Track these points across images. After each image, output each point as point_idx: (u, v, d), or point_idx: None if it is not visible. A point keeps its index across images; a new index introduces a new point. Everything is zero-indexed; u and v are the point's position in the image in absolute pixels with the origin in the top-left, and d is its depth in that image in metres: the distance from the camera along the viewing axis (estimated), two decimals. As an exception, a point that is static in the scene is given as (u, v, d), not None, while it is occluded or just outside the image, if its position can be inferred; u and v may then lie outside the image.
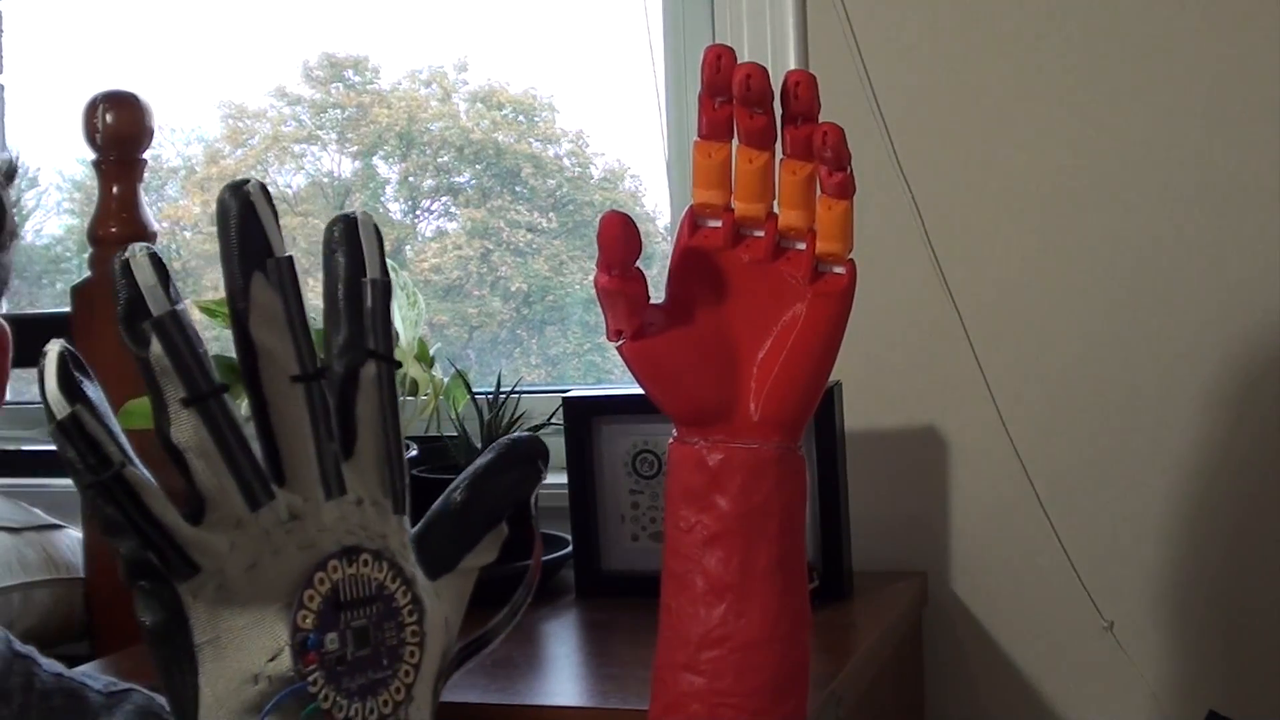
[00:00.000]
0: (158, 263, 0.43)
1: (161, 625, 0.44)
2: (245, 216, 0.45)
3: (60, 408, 0.41)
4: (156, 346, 0.43)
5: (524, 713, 1.02)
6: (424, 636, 0.49)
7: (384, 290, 0.49)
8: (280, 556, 0.45)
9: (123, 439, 0.42)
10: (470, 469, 0.53)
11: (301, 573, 0.45)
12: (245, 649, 0.44)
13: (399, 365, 0.50)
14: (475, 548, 0.52)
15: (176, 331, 0.43)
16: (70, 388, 0.41)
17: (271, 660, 0.44)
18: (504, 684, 1.08)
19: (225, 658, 0.44)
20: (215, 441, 0.44)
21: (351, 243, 0.49)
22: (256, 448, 0.46)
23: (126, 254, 0.43)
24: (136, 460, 0.43)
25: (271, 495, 0.45)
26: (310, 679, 0.45)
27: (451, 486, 0.53)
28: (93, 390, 0.42)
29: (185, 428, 0.44)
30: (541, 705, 1.04)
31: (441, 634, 0.50)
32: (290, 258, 0.46)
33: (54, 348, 0.41)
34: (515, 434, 0.55)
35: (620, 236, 0.64)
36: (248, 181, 0.45)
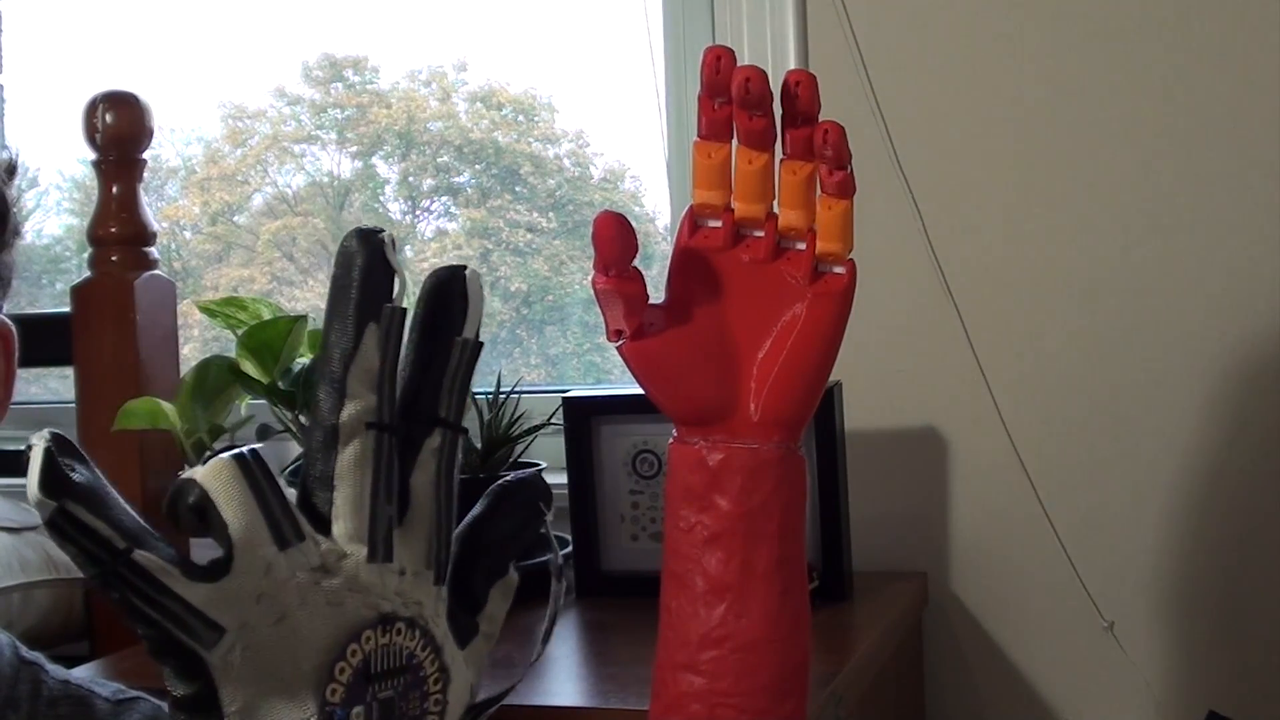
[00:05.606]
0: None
1: (192, 697, 0.43)
2: (373, 265, 0.45)
3: (45, 507, 0.39)
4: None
5: (524, 713, 1.02)
6: (445, 705, 0.48)
7: (473, 353, 0.48)
8: (307, 610, 0.44)
9: (128, 516, 0.41)
10: (464, 523, 0.51)
11: (332, 637, 0.44)
12: (272, 717, 0.43)
13: (465, 431, 0.49)
14: (484, 608, 0.51)
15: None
16: (53, 482, 0.39)
17: None
18: (504, 684, 1.08)
19: None
20: (249, 483, 0.43)
21: (451, 297, 0.48)
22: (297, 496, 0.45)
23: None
24: (145, 528, 0.41)
25: (302, 537, 0.44)
26: None
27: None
28: (84, 474, 0.41)
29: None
30: (541, 705, 1.04)
31: (463, 701, 0.50)
32: (404, 311, 0.46)
33: (39, 443, 0.40)
34: (511, 476, 0.53)
35: (615, 236, 0.64)
36: (380, 231, 0.45)
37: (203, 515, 0.42)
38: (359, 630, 0.45)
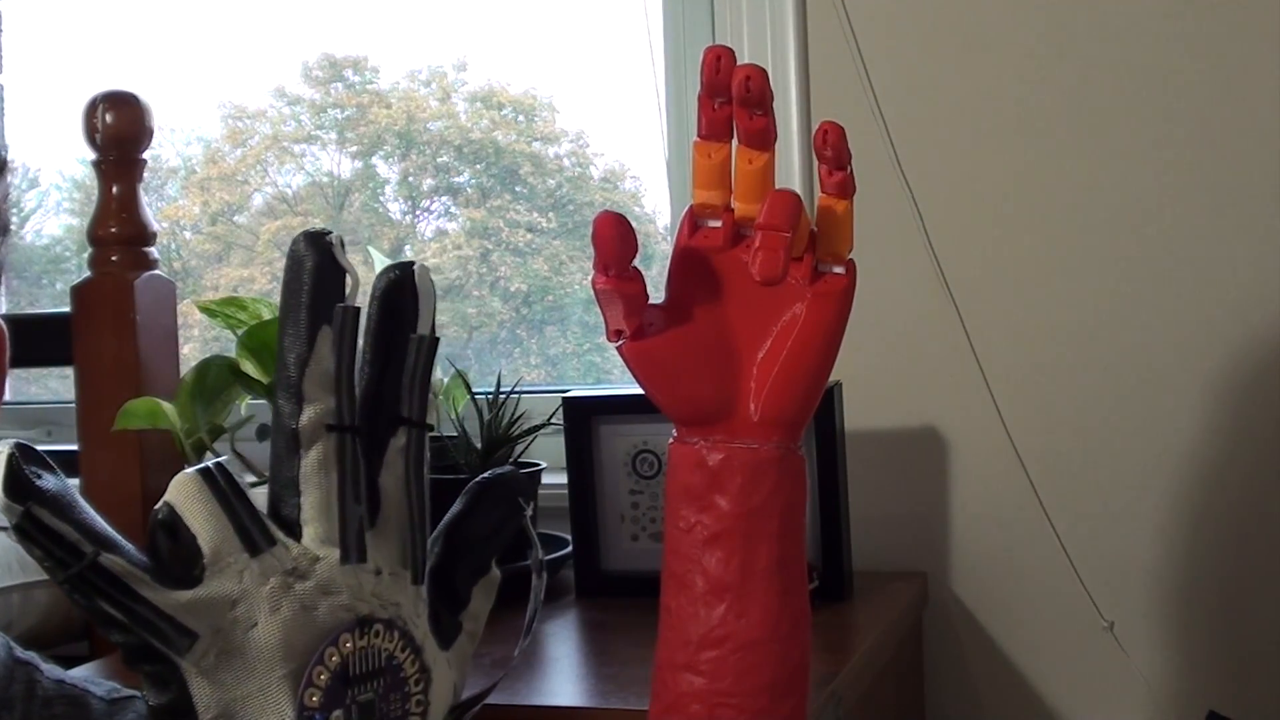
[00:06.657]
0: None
1: (168, 704, 0.43)
2: (323, 267, 0.45)
3: (11, 511, 0.40)
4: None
5: (524, 713, 1.02)
6: (427, 706, 0.48)
7: (429, 349, 0.48)
8: (281, 614, 0.44)
9: (96, 522, 0.41)
10: (444, 521, 0.51)
11: (309, 641, 0.44)
12: None
13: (431, 428, 0.49)
14: (468, 605, 0.51)
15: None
16: (19, 487, 0.40)
17: None
18: (504, 684, 1.08)
19: None
20: (214, 495, 0.43)
21: (404, 295, 0.47)
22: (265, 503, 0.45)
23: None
24: (115, 536, 0.41)
25: (273, 543, 0.44)
26: None
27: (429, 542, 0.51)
28: (51, 481, 0.41)
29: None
30: (541, 705, 1.04)
31: (446, 701, 0.49)
32: (357, 310, 0.46)
33: (3, 449, 0.40)
34: (489, 472, 0.53)
35: (615, 236, 0.64)
36: (328, 232, 0.45)
37: (173, 531, 0.43)
38: (336, 634, 0.45)
